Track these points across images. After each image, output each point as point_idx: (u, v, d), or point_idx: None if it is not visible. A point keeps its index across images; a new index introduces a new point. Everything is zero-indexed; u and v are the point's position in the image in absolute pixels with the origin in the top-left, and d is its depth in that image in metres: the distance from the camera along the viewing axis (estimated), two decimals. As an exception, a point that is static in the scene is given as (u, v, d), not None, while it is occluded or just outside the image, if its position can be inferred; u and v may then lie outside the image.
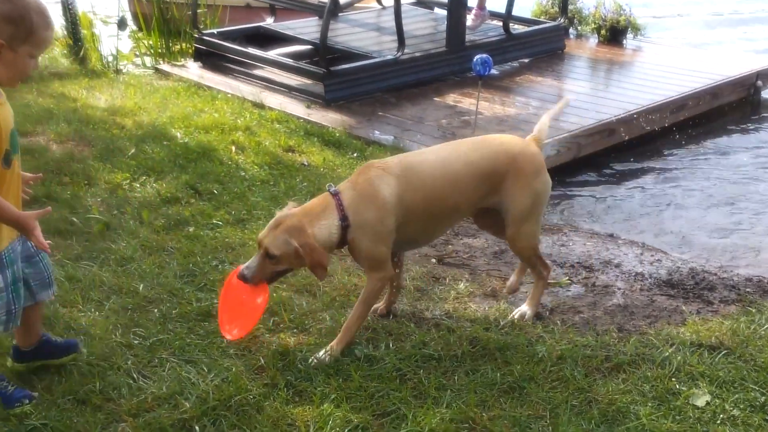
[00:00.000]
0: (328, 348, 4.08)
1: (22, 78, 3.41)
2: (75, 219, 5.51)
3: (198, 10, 10.37)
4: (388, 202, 4.02)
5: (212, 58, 9.82)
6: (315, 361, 4.02)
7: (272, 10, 10.88)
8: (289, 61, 9.20)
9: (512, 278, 4.87)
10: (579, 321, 4.63)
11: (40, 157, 6.53)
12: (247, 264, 4.01)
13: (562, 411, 3.74)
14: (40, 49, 3.40)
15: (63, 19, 9.92)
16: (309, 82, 8.91)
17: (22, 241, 3.59)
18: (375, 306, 4.49)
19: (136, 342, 4.17)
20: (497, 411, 3.73)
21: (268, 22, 10.70)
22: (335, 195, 4.03)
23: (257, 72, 9.40)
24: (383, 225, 4.03)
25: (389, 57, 9.14)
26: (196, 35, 9.99)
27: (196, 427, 3.55)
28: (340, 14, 10.69)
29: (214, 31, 10.22)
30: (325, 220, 3.98)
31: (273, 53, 9.58)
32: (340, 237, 4.02)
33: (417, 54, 9.45)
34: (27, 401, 3.67)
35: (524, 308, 4.56)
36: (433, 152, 4.39)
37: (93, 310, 4.46)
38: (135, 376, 3.89)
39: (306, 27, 10.45)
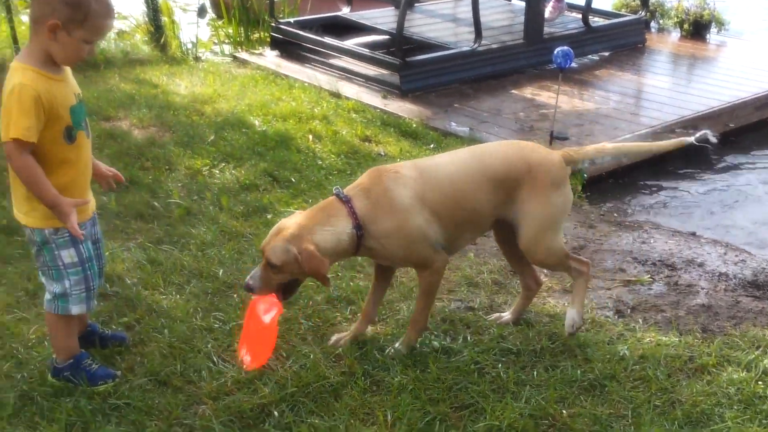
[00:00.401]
0: (402, 342, 4.05)
1: (75, 61, 3.47)
2: (156, 203, 5.59)
3: (277, 0, 10.43)
4: (408, 203, 3.79)
5: (289, 47, 9.86)
6: (392, 351, 4.01)
7: (348, 0, 10.88)
8: (365, 51, 9.19)
9: (507, 314, 4.44)
10: (661, 320, 4.54)
11: (122, 141, 6.64)
12: (251, 274, 3.82)
13: (645, 411, 3.68)
14: (96, 36, 3.44)
15: (145, 6, 10.07)
16: (385, 72, 8.90)
17: (91, 223, 3.70)
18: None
19: (216, 326, 4.22)
20: (577, 408, 3.68)
21: (345, 11, 10.71)
22: (346, 202, 3.78)
23: (334, 61, 9.42)
24: (411, 226, 3.80)
25: (466, 48, 9.08)
26: (273, 24, 10.05)
27: (275, 412, 3.57)
28: (416, 4, 10.66)
29: (291, 20, 10.27)
30: (332, 227, 3.74)
31: (349, 43, 9.59)
32: (353, 244, 3.78)
33: (494, 46, 9.37)
34: (110, 380, 3.74)
35: (572, 314, 4.15)
36: (448, 155, 4.19)
37: (174, 293, 4.52)
38: (215, 359, 3.93)
39: (382, 17, 10.45)
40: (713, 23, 11.33)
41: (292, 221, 3.80)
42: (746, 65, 9.99)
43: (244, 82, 8.70)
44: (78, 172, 3.55)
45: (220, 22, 11.81)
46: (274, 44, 10.05)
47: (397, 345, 4.04)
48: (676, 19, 11.46)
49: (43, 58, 3.38)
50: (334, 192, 3.86)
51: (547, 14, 10.15)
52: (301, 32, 9.79)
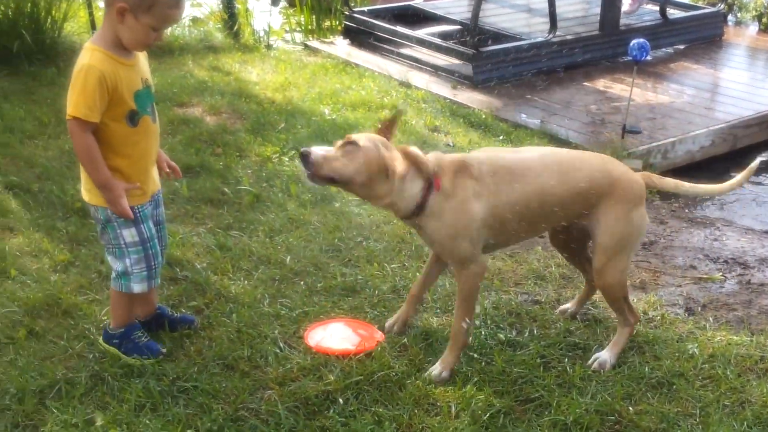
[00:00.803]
0: (442, 362, 3.81)
1: (142, 46, 3.54)
2: (226, 189, 5.65)
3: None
4: (479, 193, 3.64)
5: (361, 36, 9.88)
6: (433, 376, 3.77)
7: None
8: (438, 41, 9.15)
9: (570, 305, 4.39)
10: (732, 319, 4.45)
11: (194, 127, 6.73)
12: (320, 147, 3.63)
13: (713, 410, 3.62)
14: (163, 24, 3.49)
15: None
16: (456, 62, 8.85)
17: (154, 204, 3.80)
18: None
19: (282, 312, 4.26)
20: (644, 405, 3.64)
21: (419, 0, 10.68)
22: (436, 176, 3.64)
23: (404, 51, 9.40)
24: (466, 214, 3.63)
25: (540, 39, 9.00)
26: (347, 12, 10.07)
27: (340, 399, 3.59)
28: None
29: (365, 9, 10.28)
30: (410, 176, 3.62)
31: (421, 32, 9.56)
32: (410, 204, 3.62)
33: (568, 37, 9.26)
34: (153, 355, 3.83)
35: (604, 356, 3.92)
36: (531, 157, 3.89)
37: (242, 279, 4.57)
38: (281, 345, 3.97)
39: (455, 6, 10.40)
40: (794, 17, 11.05)
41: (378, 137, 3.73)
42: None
43: (314, 70, 8.75)
44: (138, 156, 3.64)
45: (291, 11, 11.88)
46: (347, 33, 10.07)
47: (436, 371, 3.80)
48: (754, 12, 11.21)
49: (114, 41, 3.46)
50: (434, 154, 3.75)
51: (626, 7, 10.01)
52: (374, 21, 9.79)
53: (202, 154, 6.22)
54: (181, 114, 7.01)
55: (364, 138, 3.62)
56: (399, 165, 3.58)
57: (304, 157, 3.55)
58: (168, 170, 3.95)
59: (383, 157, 3.57)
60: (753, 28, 11.16)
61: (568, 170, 3.81)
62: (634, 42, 6.71)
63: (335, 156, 3.56)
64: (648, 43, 6.75)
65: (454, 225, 3.65)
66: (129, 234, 3.67)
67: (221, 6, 10.30)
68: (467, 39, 8.85)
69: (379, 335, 4.09)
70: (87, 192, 3.68)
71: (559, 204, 3.76)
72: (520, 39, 9.07)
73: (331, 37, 10.50)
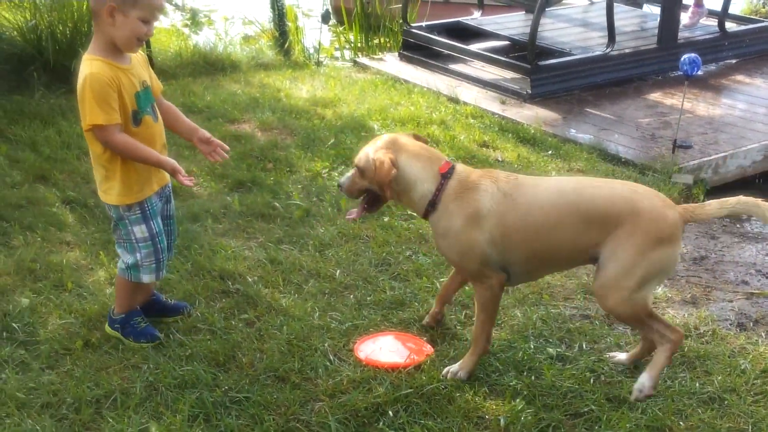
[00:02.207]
0: (461, 362, 3.89)
1: (137, 42, 3.76)
2: (277, 204, 5.72)
3: (398, 6, 10.54)
4: (483, 216, 3.64)
5: (414, 51, 9.94)
6: (449, 374, 3.87)
7: (480, 4, 10.89)
8: (496, 56, 9.20)
9: (623, 356, 4.09)
10: (786, 333, 4.41)
11: (246, 143, 6.83)
12: (346, 174, 4.04)
13: (766, 426, 3.58)
14: (151, 14, 3.71)
15: (270, 11, 10.33)
16: (507, 76, 8.88)
17: (164, 200, 4.12)
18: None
19: (332, 325, 4.30)
20: (695, 421, 3.61)
21: (475, 15, 10.73)
22: (448, 174, 3.73)
23: (452, 66, 9.44)
24: (467, 239, 3.67)
25: (597, 52, 8.99)
26: (405, 28, 10.15)
27: (389, 412, 3.61)
28: (546, 9, 10.60)
29: (422, 24, 10.36)
30: (421, 170, 3.76)
31: (475, 47, 9.61)
32: (421, 205, 3.77)
33: (626, 50, 9.23)
34: (152, 340, 4.09)
35: (644, 380, 3.66)
36: (554, 181, 3.91)
37: (293, 292, 4.63)
38: (331, 358, 4.01)
39: (508, 22, 10.42)
40: None
41: (396, 136, 3.94)
42: None
43: (364, 86, 8.82)
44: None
45: (341, 28, 12.00)
46: (405, 48, 10.13)
47: (454, 368, 3.88)
48: (809, 25, 11.03)
49: (108, 48, 3.72)
50: (449, 159, 3.84)
51: (686, 20, 9.96)
52: (433, 36, 9.87)
53: (254, 169, 6.31)
54: (233, 130, 7.12)
55: (362, 155, 3.89)
56: (389, 174, 3.73)
57: (340, 186, 4.06)
58: (210, 151, 4.19)
59: (370, 162, 3.81)
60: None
61: (585, 189, 3.69)
62: (685, 57, 6.67)
63: (354, 176, 3.94)
64: (699, 58, 6.71)
65: (459, 244, 3.73)
66: (139, 230, 3.96)
67: (272, 24, 10.44)
68: (522, 54, 8.86)
69: (428, 348, 4.11)
70: (101, 192, 3.96)
71: (572, 226, 3.59)
72: (571, 54, 9.04)
73: (380, 53, 10.59)
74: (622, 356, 4.06)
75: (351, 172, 3.98)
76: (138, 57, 3.92)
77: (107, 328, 4.19)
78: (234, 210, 5.62)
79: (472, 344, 3.90)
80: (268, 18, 10.61)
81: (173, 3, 10.43)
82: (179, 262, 4.87)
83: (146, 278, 4.05)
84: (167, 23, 10.77)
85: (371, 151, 3.83)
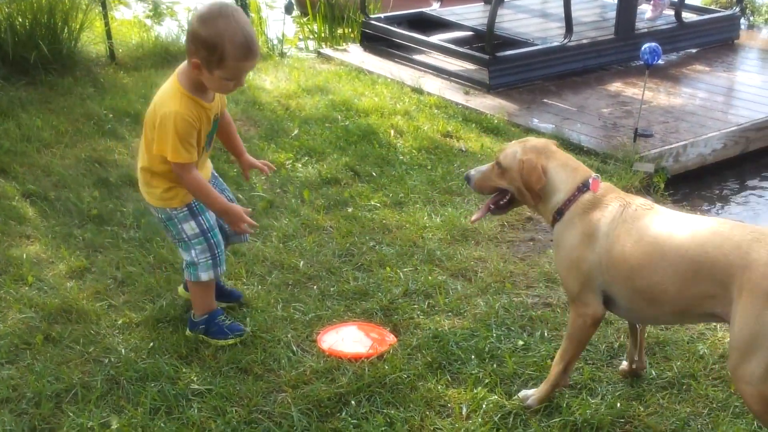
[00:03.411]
0: (536, 391, 3.67)
1: (225, 92, 3.82)
2: (240, 196, 5.70)
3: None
4: (597, 238, 3.40)
5: (376, 43, 9.93)
6: (521, 395, 3.70)
7: None
8: (454, 47, 9.21)
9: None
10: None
11: (209, 135, 6.80)
12: (477, 167, 3.86)
13: (723, 410, 3.63)
14: (235, 76, 3.62)
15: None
16: (470, 67, 8.90)
17: (219, 189, 4.06)
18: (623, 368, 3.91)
19: (296, 316, 4.31)
20: (655, 406, 3.66)
21: (434, 7, 10.73)
22: (583, 187, 3.51)
23: (416, 57, 9.45)
24: (581, 257, 3.43)
25: (555, 43, 9.03)
26: (363, 19, 10.13)
27: (352, 402, 3.63)
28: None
29: (381, 15, 10.35)
30: (564, 178, 3.56)
31: (435, 39, 9.62)
32: (549, 211, 3.59)
33: (584, 41, 9.29)
34: (240, 334, 4.10)
35: None
36: (678, 217, 3.39)
37: (256, 283, 4.62)
38: (294, 349, 4.02)
39: (468, 13, 10.44)
40: (807, 19, 11.05)
41: (548, 141, 3.75)
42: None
43: (327, 77, 8.81)
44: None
45: (305, 19, 11.96)
46: (364, 39, 10.12)
47: (529, 392, 3.69)
48: (767, 15, 11.17)
49: (197, 84, 3.66)
50: (594, 175, 3.59)
51: (648, 14, 10.03)
52: (391, 27, 9.86)
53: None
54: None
55: (508, 153, 3.68)
56: (539, 182, 3.56)
57: (468, 179, 3.84)
58: (264, 169, 4.27)
59: (516, 162, 3.62)
60: (765, 32, 11.14)
61: (701, 233, 3.19)
62: (645, 46, 6.72)
63: (490, 171, 3.75)
64: (659, 47, 6.76)
65: (569, 259, 3.50)
66: (189, 227, 3.91)
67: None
68: (483, 44, 8.89)
69: (391, 338, 4.13)
70: (146, 194, 3.96)
71: (677, 272, 3.18)
72: (532, 44, 9.09)
73: (344, 44, 10.57)
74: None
75: (485, 166, 3.80)
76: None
77: (189, 332, 4.12)
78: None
79: (549, 373, 3.66)
80: (231, 8, 10.53)
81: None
82: (141, 255, 4.85)
83: (204, 276, 3.96)
84: (129, 14, 10.67)
85: (519, 151, 3.63)
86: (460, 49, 9.12)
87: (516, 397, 3.69)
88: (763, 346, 2.92)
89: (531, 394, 3.67)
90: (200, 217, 3.92)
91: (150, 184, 3.89)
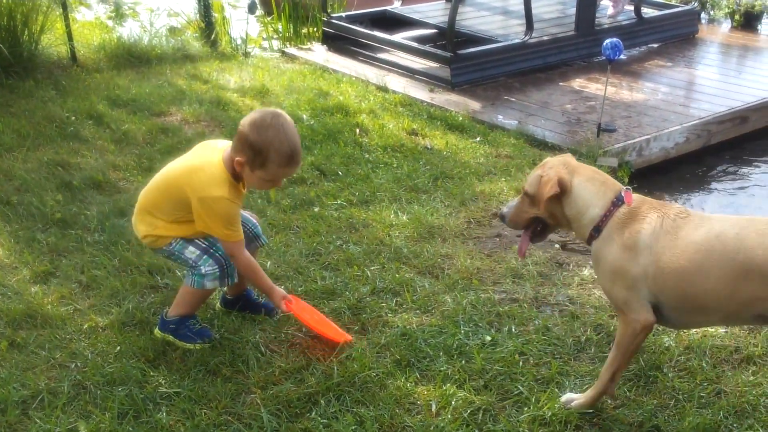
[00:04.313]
0: (581, 396, 3.65)
1: (260, 189, 3.91)
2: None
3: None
4: (639, 250, 3.37)
5: (339, 42, 9.94)
6: (563, 400, 3.66)
7: None
8: (416, 45, 9.24)
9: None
10: (708, 312, 4.52)
11: (173, 136, 6.76)
12: (508, 203, 3.78)
13: (689, 401, 3.67)
14: (275, 180, 3.85)
15: (196, 2, 10.21)
16: (433, 65, 8.94)
17: None
18: None
19: (263, 317, 4.29)
20: (622, 399, 3.69)
21: (396, 5, 10.74)
22: (618, 201, 3.47)
23: (381, 56, 9.48)
24: (624, 268, 3.39)
25: (517, 40, 9.08)
26: (325, 18, 10.13)
27: (321, 401, 3.63)
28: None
29: (342, 14, 10.35)
30: (593, 194, 3.50)
31: (398, 37, 9.63)
32: (585, 228, 3.51)
33: (545, 38, 9.35)
34: (207, 341, 4.06)
35: None
36: (720, 220, 3.35)
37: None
38: (263, 350, 4.01)
39: (431, 11, 10.48)
40: (765, 14, 11.18)
41: (567, 157, 3.69)
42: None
43: (292, 76, 8.79)
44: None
45: (269, 18, 11.92)
46: (325, 39, 10.12)
47: (574, 395, 3.67)
48: (726, 10, 11.33)
49: (236, 173, 3.82)
50: (624, 189, 3.53)
51: (610, 10, 10.11)
52: (353, 26, 9.86)
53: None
54: (160, 123, 7.03)
55: (532, 179, 3.61)
56: (550, 190, 3.50)
57: (502, 218, 3.78)
58: None
59: (538, 191, 3.56)
60: (726, 26, 11.28)
61: (749, 236, 3.20)
62: (607, 42, 6.78)
63: (521, 204, 3.68)
64: (621, 43, 6.83)
65: (611, 272, 3.44)
66: (189, 252, 3.95)
67: (198, 15, 10.32)
68: (445, 42, 8.93)
69: (348, 337, 4.10)
70: (148, 243, 4.05)
71: (727, 276, 3.21)
72: (495, 41, 9.13)
73: (308, 43, 10.56)
74: None
75: (515, 200, 3.74)
76: None
77: (157, 332, 4.10)
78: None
79: (598, 380, 3.61)
80: (193, 9, 10.49)
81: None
82: (106, 259, 4.81)
83: (209, 285, 3.98)
84: (90, 16, 10.58)
85: (540, 172, 3.58)
86: (422, 47, 9.16)
87: (558, 401, 3.64)
88: None
89: (576, 398, 3.64)
90: (195, 240, 3.95)
91: (149, 231, 3.98)
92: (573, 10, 9.81)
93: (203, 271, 3.93)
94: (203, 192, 3.75)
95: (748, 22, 11.11)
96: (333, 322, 4.18)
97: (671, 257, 3.29)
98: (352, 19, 10.13)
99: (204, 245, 3.95)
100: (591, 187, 3.51)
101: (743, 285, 3.17)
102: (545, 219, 3.62)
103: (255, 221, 4.29)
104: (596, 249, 3.50)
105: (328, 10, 10.33)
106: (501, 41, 9.13)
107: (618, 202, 3.46)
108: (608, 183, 3.55)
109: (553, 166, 3.58)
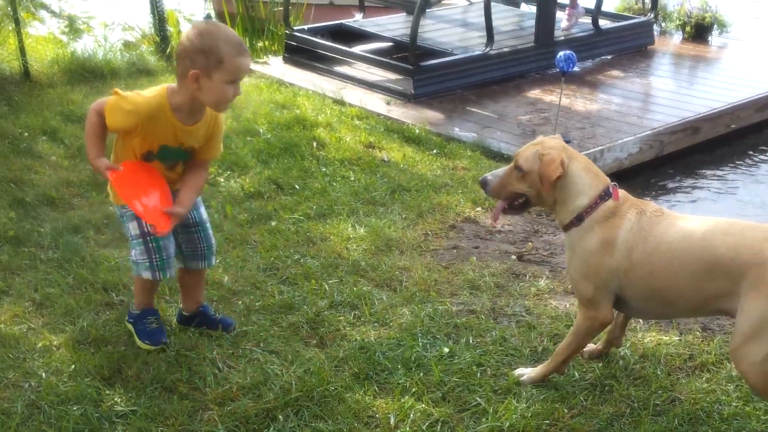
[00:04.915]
0: (532, 370, 3.91)
1: (224, 103, 3.85)
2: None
3: (281, 8, 10.53)
4: (616, 246, 3.56)
5: (301, 55, 9.95)
6: (516, 373, 3.93)
7: (361, 7, 10.99)
8: (379, 57, 9.31)
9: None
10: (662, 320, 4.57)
11: (128, 151, 6.70)
12: (493, 171, 3.89)
13: (645, 409, 3.71)
14: (234, 75, 3.73)
15: (150, 16, 10.15)
16: (391, 78, 8.98)
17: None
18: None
19: (220, 332, 4.26)
20: (578, 408, 3.72)
21: (357, 18, 10.79)
22: (605, 195, 3.64)
23: (337, 69, 9.49)
24: (599, 264, 3.60)
25: (477, 52, 9.16)
26: (288, 31, 10.13)
27: (280, 417, 3.61)
28: (427, 10, 10.75)
29: (305, 27, 10.36)
30: (586, 181, 3.66)
31: (360, 50, 9.68)
32: (572, 214, 3.67)
33: (505, 49, 9.46)
34: (156, 344, 4.09)
35: None
36: (689, 221, 3.57)
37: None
38: (220, 366, 3.98)
39: (389, 24, 10.51)
40: (715, 26, 11.39)
41: (561, 141, 3.79)
42: (747, 67, 10.06)
43: (248, 90, 8.76)
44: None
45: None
46: (288, 51, 10.14)
47: (521, 371, 3.93)
48: (678, 21, 11.51)
49: (182, 103, 3.78)
50: (612, 184, 3.70)
51: (564, 23, 10.22)
52: (315, 39, 9.91)
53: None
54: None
55: (528, 156, 3.72)
56: (556, 171, 3.62)
57: (484, 185, 3.87)
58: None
59: (541, 172, 3.67)
60: (677, 37, 11.46)
61: (714, 235, 3.41)
62: (560, 54, 6.86)
63: (508, 176, 3.79)
64: (574, 55, 6.91)
65: (586, 265, 3.64)
66: (132, 227, 3.97)
67: (153, 29, 10.26)
68: (404, 55, 8.98)
69: (165, 229, 3.83)
70: (109, 191, 4.06)
71: (694, 272, 3.42)
72: (452, 54, 9.19)
73: (264, 57, 10.54)
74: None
75: (502, 170, 3.86)
76: (210, 124, 3.96)
77: (126, 323, 4.22)
78: (117, 220, 5.50)
79: (550, 359, 3.87)
80: (148, 23, 10.42)
81: (50, 10, 10.15)
82: (60, 276, 4.75)
83: (144, 274, 4.01)
84: (44, 30, 10.47)
85: (539, 149, 3.69)
86: (385, 60, 9.21)
87: (511, 373, 3.91)
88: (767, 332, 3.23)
89: (527, 372, 3.90)
90: (141, 221, 3.92)
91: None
92: (531, 22, 9.95)
93: (133, 255, 4.00)
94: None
95: (698, 33, 11.30)
96: (163, 206, 3.85)
97: (643, 253, 3.51)
98: (314, 32, 10.16)
99: (145, 230, 3.92)
100: (585, 176, 3.67)
101: (708, 281, 3.39)
102: (529, 196, 3.77)
103: (212, 244, 4.27)
104: (574, 238, 3.68)
105: (291, 23, 10.31)
106: (457, 54, 9.19)
107: (605, 196, 3.64)
108: (600, 176, 3.72)
109: (554, 147, 3.69)
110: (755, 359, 3.26)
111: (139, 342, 4.10)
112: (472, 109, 8.39)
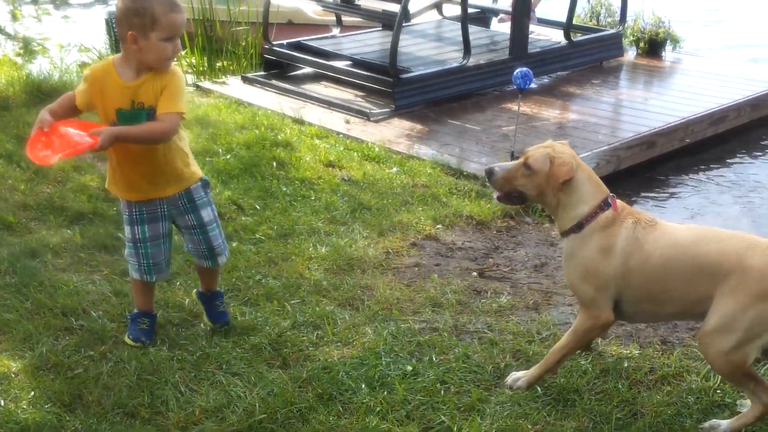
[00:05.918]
0: (526, 373, 4.00)
1: (166, 60, 3.94)
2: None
3: (240, 28, 10.56)
4: (613, 253, 3.75)
5: (280, 69, 10.20)
6: (509, 381, 4.03)
7: (338, 22, 11.18)
8: (360, 71, 9.46)
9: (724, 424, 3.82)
10: (622, 333, 4.62)
11: (85, 174, 6.65)
12: (500, 164, 4.05)
13: (607, 423, 3.75)
14: (171, 32, 3.87)
15: (107, 37, 10.11)
16: (349, 98, 9.04)
17: (178, 210, 4.25)
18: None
19: (183, 356, 4.23)
20: (542, 423, 3.75)
21: (334, 33, 10.97)
22: (604, 205, 3.81)
23: (296, 88, 9.51)
24: (598, 269, 3.78)
25: (454, 65, 9.34)
26: (267, 46, 10.20)
27: (244, 440, 3.60)
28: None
29: (284, 42, 10.40)
30: (588, 190, 3.84)
31: (342, 64, 9.89)
32: (572, 221, 3.84)
33: (482, 62, 9.66)
34: (138, 343, 4.31)
35: (723, 427, 3.73)
36: (681, 229, 3.84)
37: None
38: (183, 389, 3.95)
39: (346, 42, 10.57)
40: (668, 41, 11.56)
41: (571, 151, 3.93)
42: (700, 82, 10.21)
43: (207, 110, 8.73)
44: (117, 161, 4.12)
45: (183, 52, 11.84)
46: (267, 66, 10.28)
47: (519, 374, 4.03)
48: (632, 37, 11.66)
49: (126, 62, 3.95)
50: (611, 196, 3.88)
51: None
52: (296, 54, 10.10)
53: (95, 200, 6.15)
54: (72, 161, 6.90)
55: (539, 156, 3.87)
56: (568, 173, 3.79)
57: (490, 175, 4.01)
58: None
59: (551, 173, 3.82)
60: (631, 53, 11.60)
61: (705, 242, 3.70)
62: (517, 71, 6.91)
63: (516, 170, 3.92)
64: (531, 72, 6.97)
65: (584, 270, 3.83)
66: (128, 230, 4.25)
67: (110, 50, 10.21)
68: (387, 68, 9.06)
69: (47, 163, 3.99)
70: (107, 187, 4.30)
71: (685, 277, 3.66)
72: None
73: (223, 77, 10.51)
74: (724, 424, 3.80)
75: (511, 164, 3.98)
76: (161, 77, 3.95)
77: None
78: (75, 243, 5.45)
79: (544, 359, 3.98)
80: (104, 44, 10.37)
81: (4, 32, 10.06)
82: (18, 301, 4.68)
83: (134, 275, 4.32)
84: (-2, 53, 10.38)
85: (551, 152, 3.84)
86: (366, 73, 9.36)
87: (506, 381, 4.01)
88: (739, 329, 3.50)
89: (521, 376, 3.98)
90: (135, 227, 4.19)
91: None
92: (503, 41, 10.21)
93: (125, 255, 4.32)
94: None
95: (652, 49, 11.45)
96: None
97: (640, 260, 3.72)
98: (292, 47, 10.26)
99: (137, 237, 4.20)
100: (588, 185, 3.85)
101: (697, 284, 3.62)
102: (530, 195, 3.94)
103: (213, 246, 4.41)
104: (573, 245, 3.86)
105: (270, 38, 10.35)
106: (422, 70, 9.29)
107: (604, 206, 3.81)
108: (601, 186, 3.91)
109: (565, 152, 3.86)
110: (722, 349, 3.53)
111: (128, 341, 4.31)
112: (431, 127, 8.43)
